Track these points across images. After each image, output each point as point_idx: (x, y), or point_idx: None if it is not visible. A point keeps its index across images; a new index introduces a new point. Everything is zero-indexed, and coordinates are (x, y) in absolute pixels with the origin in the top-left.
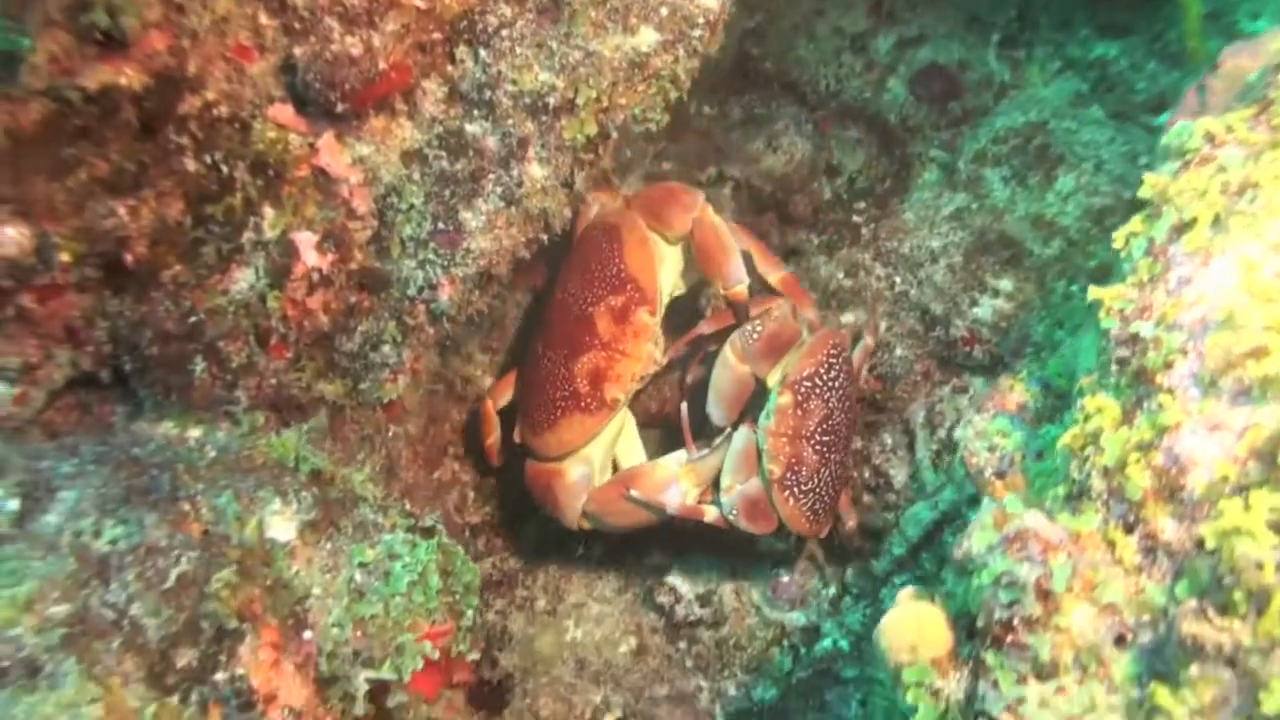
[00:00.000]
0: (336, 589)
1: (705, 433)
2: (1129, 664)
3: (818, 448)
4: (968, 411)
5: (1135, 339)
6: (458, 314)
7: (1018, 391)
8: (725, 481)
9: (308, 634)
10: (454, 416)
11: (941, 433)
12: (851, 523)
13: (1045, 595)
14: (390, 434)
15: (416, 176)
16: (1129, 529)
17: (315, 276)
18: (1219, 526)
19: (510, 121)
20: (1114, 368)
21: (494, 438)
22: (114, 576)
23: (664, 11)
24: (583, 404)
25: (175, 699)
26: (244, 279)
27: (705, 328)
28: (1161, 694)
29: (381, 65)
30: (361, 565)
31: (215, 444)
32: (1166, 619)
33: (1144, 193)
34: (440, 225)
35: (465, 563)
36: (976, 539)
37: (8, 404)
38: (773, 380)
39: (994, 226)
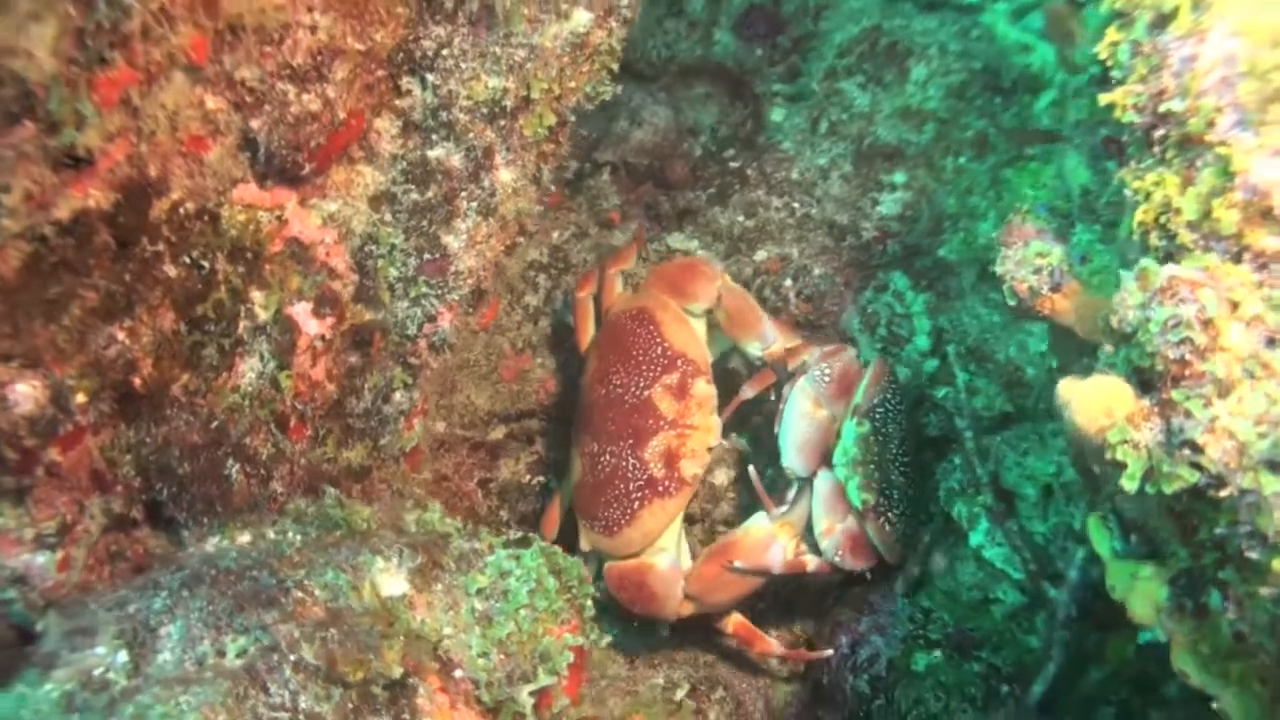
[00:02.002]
0: (465, 622)
1: (775, 487)
2: None
3: (903, 469)
4: (1015, 248)
5: (1167, 116)
6: (459, 339)
7: (1030, 221)
8: (821, 526)
9: (458, 672)
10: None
11: (881, 330)
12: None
13: (1206, 323)
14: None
15: (389, 217)
16: (1237, 259)
17: (319, 344)
18: None
19: (471, 135)
20: (1154, 148)
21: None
22: (268, 680)
23: None
24: (661, 488)
25: None
26: (250, 369)
27: (749, 391)
28: None
29: (341, 115)
30: (479, 592)
31: (286, 538)
32: None
33: (1115, 5)
34: (426, 256)
35: (568, 559)
36: (1131, 303)
37: (52, 573)
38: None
39: (869, 129)
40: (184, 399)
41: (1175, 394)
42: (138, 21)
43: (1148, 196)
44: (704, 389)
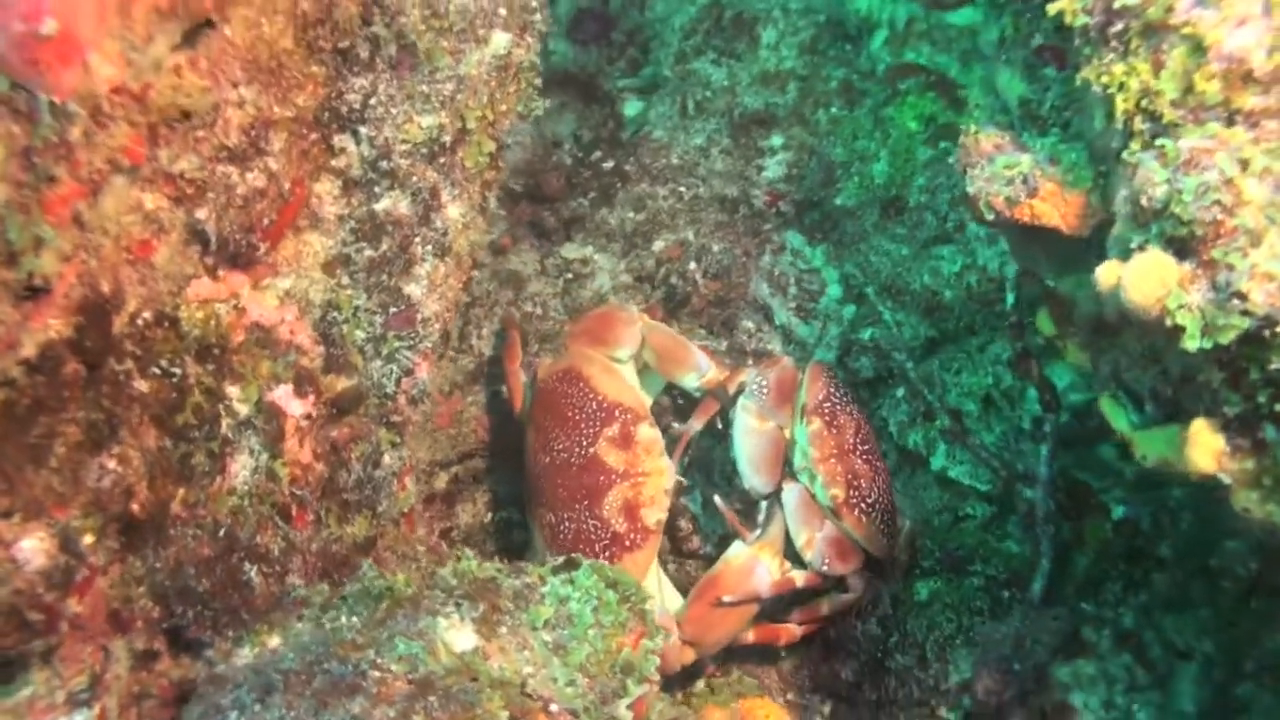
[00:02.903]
0: (541, 657)
1: (745, 513)
2: None
3: (865, 457)
4: (980, 166)
5: (1122, 10)
6: (435, 388)
7: (985, 138)
8: (801, 539)
9: (554, 706)
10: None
11: (792, 289)
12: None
13: (1228, 184)
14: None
15: (346, 280)
16: (1229, 124)
17: (304, 424)
18: None
19: (415, 178)
20: (1112, 44)
21: None
22: None
23: (503, 12)
24: (627, 542)
25: None
26: (243, 466)
27: (695, 424)
28: None
29: (286, 185)
30: (545, 624)
31: (341, 623)
32: None
33: None
34: (392, 310)
35: (616, 569)
36: (1157, 180)
37: None
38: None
39: (736, 101)
40: (185, 514)
41: (1215, 252)
42: (79, 128)
43: (1122, 87)
44: (648, 433)
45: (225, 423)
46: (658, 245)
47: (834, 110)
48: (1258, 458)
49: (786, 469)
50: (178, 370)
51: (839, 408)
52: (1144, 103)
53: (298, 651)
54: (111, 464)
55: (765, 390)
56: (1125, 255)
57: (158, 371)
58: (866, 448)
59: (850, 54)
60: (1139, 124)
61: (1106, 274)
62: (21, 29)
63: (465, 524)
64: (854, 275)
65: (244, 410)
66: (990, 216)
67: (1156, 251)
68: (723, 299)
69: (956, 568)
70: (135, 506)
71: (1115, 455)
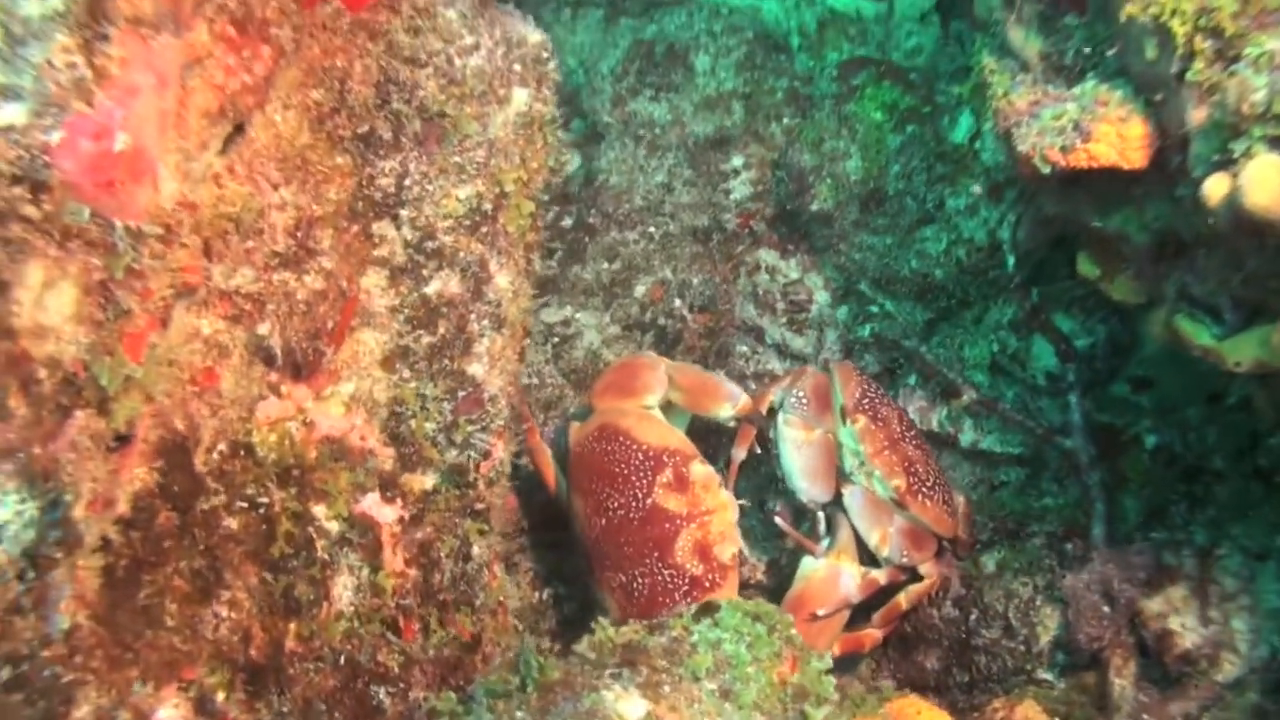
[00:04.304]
0: (713, 707)
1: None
2: None
3: (914, 442)
4: (1023, 124)
5: None
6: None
7: (1017, 97)
8: (874, 538)
9: None
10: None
11: (780, 305)
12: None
13: None
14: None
15: (408, 373)
16: None
17: (397, 529)
18: None
19: (462, 253)
20: None
21: None
22: None
23: (517, 68)
24: (707, 583)
25: None
26: (345, 586)
27: (739, 453)
28: None
29: (344, 283)
30: (707, 673)
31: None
32: None
33: None
34: (460, 394)
35: (755, 603)
36: (1257, 84)
37: None
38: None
39: (687, 132)
40: (301, 648)
41: None
42: (150, 252)
43: (1174, 12)
44: (702, 471)
45: (320, 545)
46: (639, 290)
47: (786, 120)
48: None
49: (839, 473)
50: (264, 500)
51: (878, 400)
52: (1202, 21)
53: None
54: (224, 611)
55: (805, 400)
56: (1218, 168)
57: (244, 505)
58: (912, 433)
59: (786, 63)
60: (1200, 43)
61: (1215, 186)
62: (92, 149)
63: (514, 607)
64: (837, 276)
65: (335, 528)
66: (1046, 170)
67: (1267, 154)
68: (712, 330)
69: (1013, 533)
70: (253, 651)
71: (1129, 390)
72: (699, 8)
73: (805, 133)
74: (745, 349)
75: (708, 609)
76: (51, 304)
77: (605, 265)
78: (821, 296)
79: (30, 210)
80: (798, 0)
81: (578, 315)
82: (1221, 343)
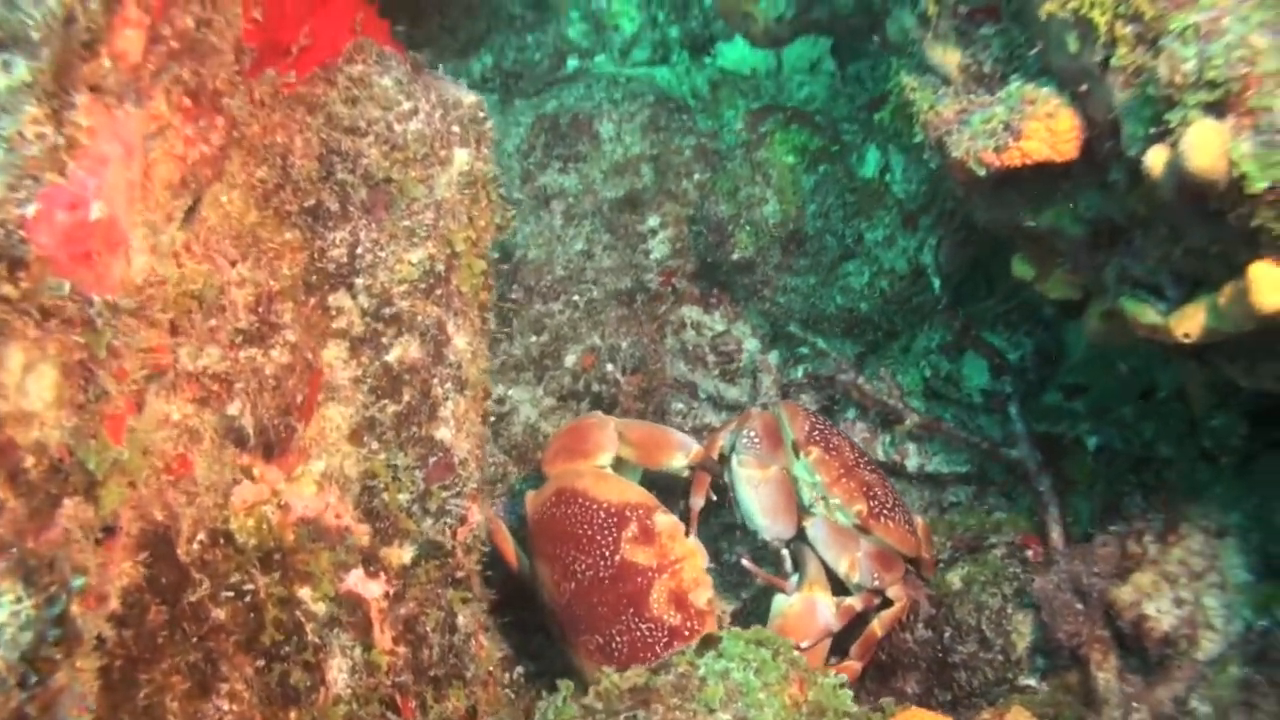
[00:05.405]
0: None
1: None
2: None
3: (868, 467)
4: (954, 132)
5: None
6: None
7: (944, 108)
8: (842, 567)
9: None
10: None
11: (710, 358)
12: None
13: (1243, 40)
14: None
15: (376, 445)
16: None
17: (384, 604)
18: None
19: (419, 317)
20: None
21: None
22: None
23: (456, 129)
24: (686, 631)
25: None
26: (339, 668)
27: (697, 501)
28: None
29: (310, 356)
30: (720, 704)
31: None
32: None
33: None
34: (430, 460)
35: (756, 630)
36: (1186, 55)
37: None
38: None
39: (600, 198)
40: None
41: (1253, 101)
42: (123, 329)
43: (1093, 4)
44: (666, 521)
45: (309, 628)
46: (569, 359)
47: (697, 177)
48: None
49: (799, 508)
50: (249, 587)
51: (827, 431)
52: (1122, 9)
53: None
54: (225, 704)
55: (756, 440)
56: (1154, 141)
57: (230, 594)
58: (865, 459)
59: (690, 122)
60: (1120, 29)
61: (1156, 157)
62: (68, 220)
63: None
64: (763, 322)
65: (322, 609)
66: (982, 172)
67: (1203, 119)
68: (646, 390)
69: (973, 548)
70: None
71: (1062, 398)
72: (596, 79)
73: (720, 183)
74: (681, 405)
75: (709, 642)
76: (33, 388)
77: (533, 338)
78: (750, 344)
79: (8, 289)
80: (688, 66)
81: (510, 392)
82: (1168, 317)
